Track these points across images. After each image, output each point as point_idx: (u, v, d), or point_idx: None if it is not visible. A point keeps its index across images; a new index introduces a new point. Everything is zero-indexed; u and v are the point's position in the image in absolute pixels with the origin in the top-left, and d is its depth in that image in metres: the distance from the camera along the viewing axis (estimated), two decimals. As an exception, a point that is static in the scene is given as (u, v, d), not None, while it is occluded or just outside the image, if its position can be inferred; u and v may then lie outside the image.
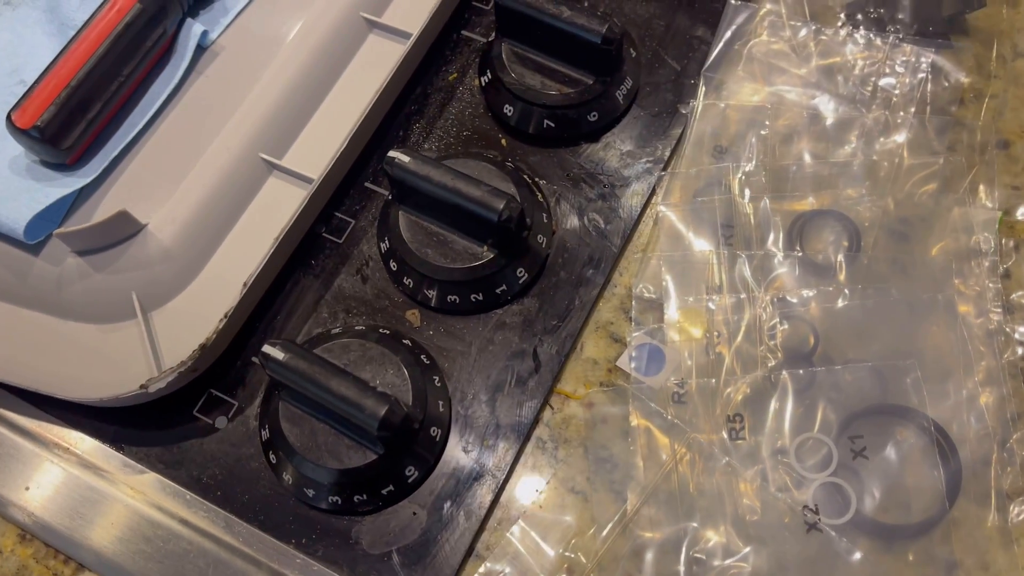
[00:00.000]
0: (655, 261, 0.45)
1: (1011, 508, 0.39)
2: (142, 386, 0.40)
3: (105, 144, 0.47)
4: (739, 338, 0.42)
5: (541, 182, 0.47)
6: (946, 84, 0.47)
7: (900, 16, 0.48)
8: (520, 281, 0.44)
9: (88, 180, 0.46)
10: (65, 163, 0.46)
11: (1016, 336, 0.42)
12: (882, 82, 0.47)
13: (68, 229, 0.43)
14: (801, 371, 0.41)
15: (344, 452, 0.39)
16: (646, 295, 0.44)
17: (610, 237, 0.46)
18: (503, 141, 0.48)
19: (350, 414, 0.37)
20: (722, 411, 0.41)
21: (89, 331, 0.44)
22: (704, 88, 0.48)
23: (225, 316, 0.41)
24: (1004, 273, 0.44)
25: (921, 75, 0.47)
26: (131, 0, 0.47)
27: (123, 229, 0.44)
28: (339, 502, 0.40)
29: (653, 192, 0.46)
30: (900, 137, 0.46)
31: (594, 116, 0.47)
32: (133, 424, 0.43)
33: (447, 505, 0.41)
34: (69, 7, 0.50)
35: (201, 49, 0.50)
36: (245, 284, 0.42)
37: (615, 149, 0.48)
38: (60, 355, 0.44)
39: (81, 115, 0.46)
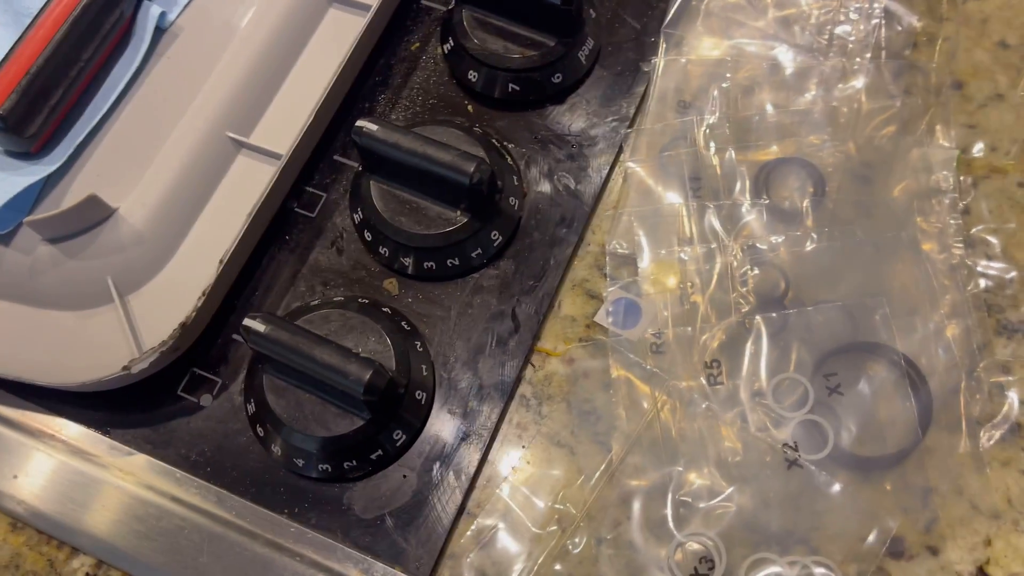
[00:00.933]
0: (626, 217, 0.45)
1: (981, 434, 0.41)
2: (124, 367, 0.40)
3: (70, 131, 0.47)
4: (712, 286, 0.43)
5: (509, 146, 0.47)
6: (899, 28, 0.48)
7: (852, -36, 0.49)
8: (495, 244, 0.44)
9: (54, 167, 0.46)
10: (30, 151, 0.46)
11: (978, 269, 0.44)
12: (837, 30, 0.48)
13: (38, 216, 0.43)
14: (774, 315, 0.42)
15: (331, 420, 0.40)
16: (619, 251, 0.45)
17: (581, 196, 0.46)
18: (469, 107, 0.49)
19: (335, 381, 0.38)
20: (699, 358, 0.42)
21: (66, 318, 0.44)
22: (665, 44, 0.49)
23: (203, 294, 0.41)
24: (963, 209, 0.45)
25: (875, 21, 0.48)
26: (86, -16, 0.47)
27: (93, 214, 0.44)
28: (329, 470, 0.40)
29: (620, 150, 0.47)
30: (858, 83, 0.47)
31: (558, 78, 0.47)
32: (118, 408, 0.43)
33: (436, 466, 0.41)
34: (23, -5, 0.49)
35: (160, 31, 0.50)
36: (221, 261, 0.42)
37: (581, 109, 0.48)
38: (39, 344, 0.44)
39: (43, 102, 0.45)
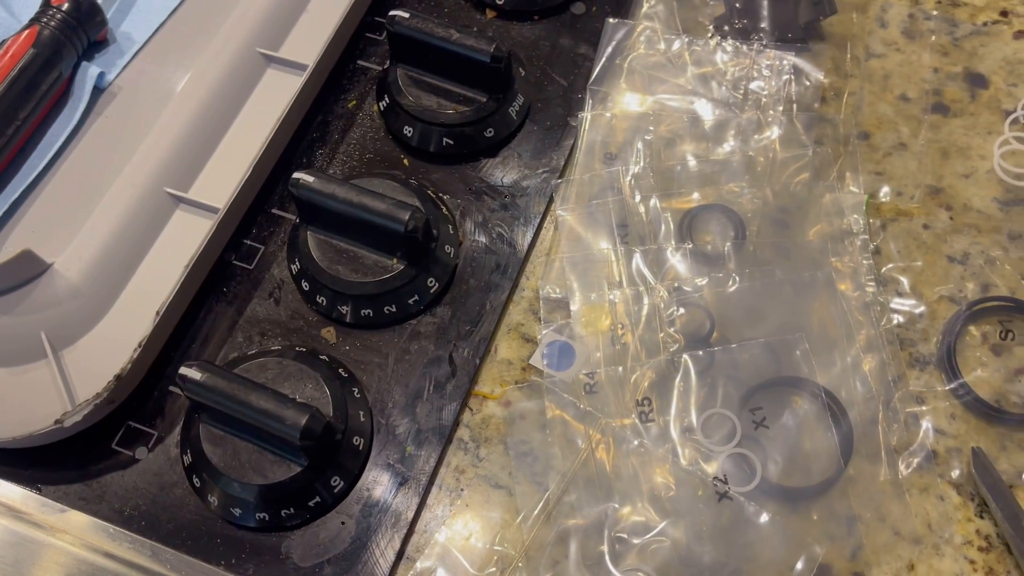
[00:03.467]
0: (558, 263, 0.47)
1: (900, 462, 0.43)
2: (57, 421, 0.40)
3: (4, 188, 0.47)
4: (641, 327, 0.45)
5: (445, 197, 0.49)
6: (808, 84, 0.51)
7: (761, 25, 0.52)
8: (431, 291, 0.46)
9: (-12, 224, 0.46)
10: (-37, 209, 0.46)
11: (890, 305, 0.46)
12: (752, 85, 0.51)
13: (-30, 272, 0.43)
14: (701, 352, 0.44)
15: (268, 467, 0.40)
16: (552, 295, 0.46)
17: (514, 244, 0.48)
18: (405, 161, 0.50)
19: (272, 427, 0.38)
20: (631, 396, 0.43)
21: (-3, 375, 0.44)
22: (591, 101, 0.51)
23: (140, 345, 0.42)
24: (874, 250, 0.48)
25: (785, 77, 0.51)
26: (24, 46, 0.48)
27: (27, 269, 0.44)
28: (267, 518, 0.40)
29: (551, 199, 0.49)
30: (772, 134, 0.50)
31: (490, 132, 0.49)
32: (50, 465, 0.43)
33: (374, 512, 0.42)
34: (-40, 56, 0.50)
35: (98, 91, 0.50)
36: (158, 312, 0.42)
37: (513, 162, 0.50)
38: (-32, 401, 0.43)
39: (-22, 160, 0.46)
